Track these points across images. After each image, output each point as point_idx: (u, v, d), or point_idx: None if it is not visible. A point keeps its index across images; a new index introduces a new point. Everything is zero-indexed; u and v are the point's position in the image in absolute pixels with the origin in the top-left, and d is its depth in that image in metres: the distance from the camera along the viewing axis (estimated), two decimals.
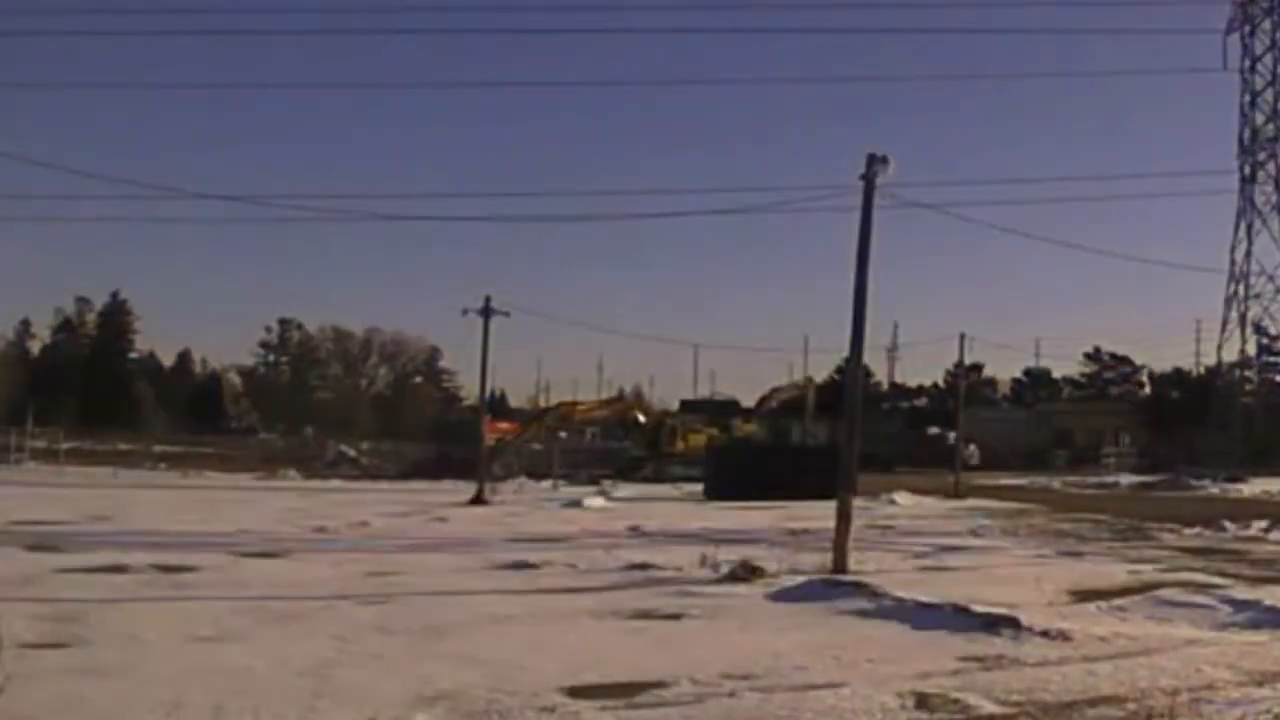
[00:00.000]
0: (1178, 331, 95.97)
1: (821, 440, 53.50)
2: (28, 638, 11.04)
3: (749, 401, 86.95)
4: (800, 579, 16.98)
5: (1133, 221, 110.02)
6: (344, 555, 20.06)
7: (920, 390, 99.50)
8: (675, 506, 35.94)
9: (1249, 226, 67.47)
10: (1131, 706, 9.12)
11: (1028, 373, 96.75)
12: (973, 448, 61.54)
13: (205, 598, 14.78)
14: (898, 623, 13.32)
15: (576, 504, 35.47)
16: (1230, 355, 69.81)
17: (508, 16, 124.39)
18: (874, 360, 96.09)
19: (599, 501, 37.05)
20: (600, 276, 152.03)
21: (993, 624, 12.64)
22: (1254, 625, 13.19)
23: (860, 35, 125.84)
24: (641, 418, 60.50)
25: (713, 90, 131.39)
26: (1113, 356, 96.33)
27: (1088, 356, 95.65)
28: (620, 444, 68.95)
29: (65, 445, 57.36)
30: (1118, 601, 14.59)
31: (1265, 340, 71.43)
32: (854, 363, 21.61)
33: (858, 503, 20.94)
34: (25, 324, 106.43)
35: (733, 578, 17.25)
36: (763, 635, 12.50)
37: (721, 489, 39.30)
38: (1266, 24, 66.86)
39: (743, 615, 13.94)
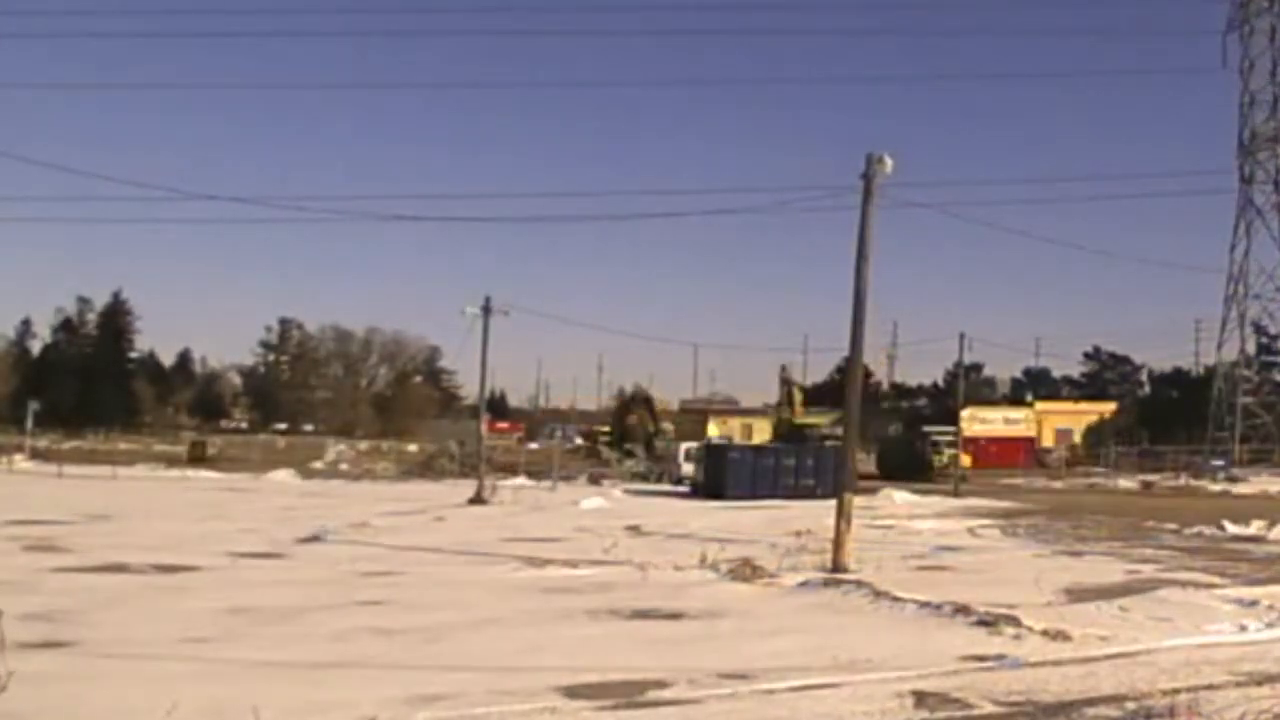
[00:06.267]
0: (1178, 331, 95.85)
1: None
2: (27, 638, 11.02)
3: (749, 401, 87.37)
4: (800, 579, 16.98)
5: (1133, 221, 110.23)
6: (343, 556, 20.04)
7: (920, 390, 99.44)
8: (674, 506, 35.91)
9: (1249, 226, 67.46)
10: (1131, 706, 9.10)
11: (1027, 372, 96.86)
12: None
13: (204, 598, 14.77)
14: (897, 622, 13.32)
15: (575, 504, 35.44)
16: (1230, 355, 69.81)
17: (508, 18, 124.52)
18: (874, 360, 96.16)
19: (598, 502, 37.01)
20: (600, 276, 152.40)
21: (992, 623, 12.64)
22: (1254, 625, 13.17)
23: (861, 35, 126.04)
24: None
25: (712, 90, 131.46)
26: (1112, 356, 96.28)
27: (1087, 356, 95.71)
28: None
29: (65, 445, 57.35)
30: (1117, 601, 14.57)
31: (1265, 340, 71.43)
32: (854, 362, 21.60)
33: (857, 502, 20.94)
34: (26, 323, 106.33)
35: (732, 577, 17.25)
36: (762, 635, 12.48)
37: (718, 488, 39.17)
38: (1265, 24, 66.80)
39: (742, 615, 13.94)
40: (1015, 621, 12.61)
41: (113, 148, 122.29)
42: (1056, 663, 10.90)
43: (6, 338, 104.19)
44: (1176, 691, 9.48)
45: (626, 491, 43.23)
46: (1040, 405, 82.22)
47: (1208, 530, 26.89)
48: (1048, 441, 76.96)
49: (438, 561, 19.68)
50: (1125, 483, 53.32)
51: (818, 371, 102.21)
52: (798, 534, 24.01)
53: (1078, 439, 77.75)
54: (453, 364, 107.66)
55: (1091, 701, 9.32)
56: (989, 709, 9.10)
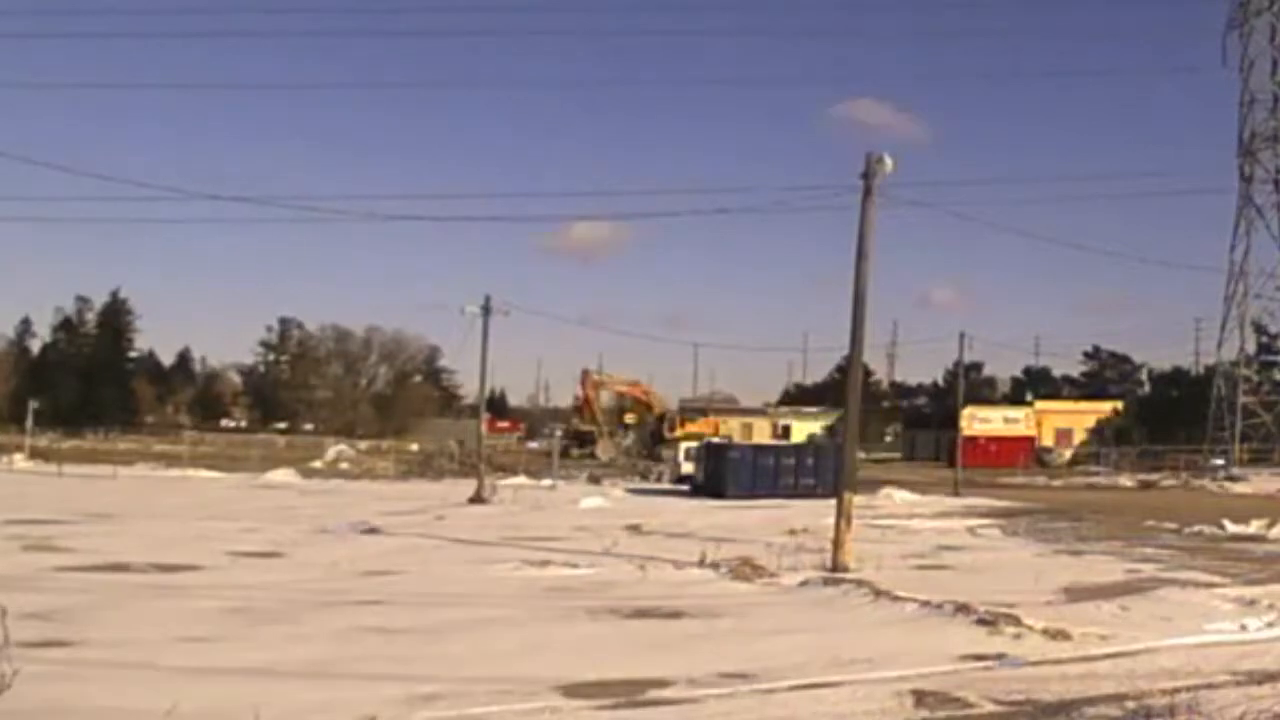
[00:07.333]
0: (1178, 331, 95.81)
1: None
2: (27, 637, 11.00)
3: (749, 401, 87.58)
4: (800, 578, 16.99)
5: (1133, 221, 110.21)
6: (342, 555, 20.03)
7: (920, 389, 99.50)
8: (673, 505, 35.87)
9: (1249, 226, 67.50)
10: (1131, 705, 9.09)
11: (1027, 372, 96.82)
12: None
13: (204, 598, 14.76)
14: (897, 621, 13.31)
15: (575, 503, 35.42)
16: (1230, 354, 69.82)
17: (508, 18, 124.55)
18: (874, 360, 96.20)
19: (597, 501, 36.99)
20: (600, 276, 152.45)
21: (992, 622, 12.64)
22: (1254, 624, 13.17)
23: (860, 35, 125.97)
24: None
25: (713, 90, 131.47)
26: (1112, 356, 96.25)
27: (1087, 356, 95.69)
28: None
29: (65, 444, 57.28)
30: (1118, 600, 14.58)
31: (1265, 339, 71.41)
32: (854, 362, 21.61)
33: (857, 501, 20.95)
34: (25, 323, 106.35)
35: (732, 576, 17.25)
36: (762, 634, 12.47)
37: (718, 488, 39.13)
38: (1265, 23, 66.78)
39: (742, 614, 13.93)
40: (1015, 620, 12.61)
41: (113, 148, 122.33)
42: (1056, 662, 10.91)
43: (6, 337, 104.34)
44: (1177, 690, 9.48)
45: (627, 491, 43.21)
46: (1040, 405, 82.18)
47: (1207, 529, 26.91)
48: (1048, 441, 77.01)
49: (437, 561, 19.68)
50: (1125, 482, 53.38)
51: (818, 371, 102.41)
52: (797, 533, 24.03)
53: (1078, 439, 77.75)
54: (453, 363, 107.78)
55: (1092, 701, 9.32)
56: (989, 708, 9.10)
